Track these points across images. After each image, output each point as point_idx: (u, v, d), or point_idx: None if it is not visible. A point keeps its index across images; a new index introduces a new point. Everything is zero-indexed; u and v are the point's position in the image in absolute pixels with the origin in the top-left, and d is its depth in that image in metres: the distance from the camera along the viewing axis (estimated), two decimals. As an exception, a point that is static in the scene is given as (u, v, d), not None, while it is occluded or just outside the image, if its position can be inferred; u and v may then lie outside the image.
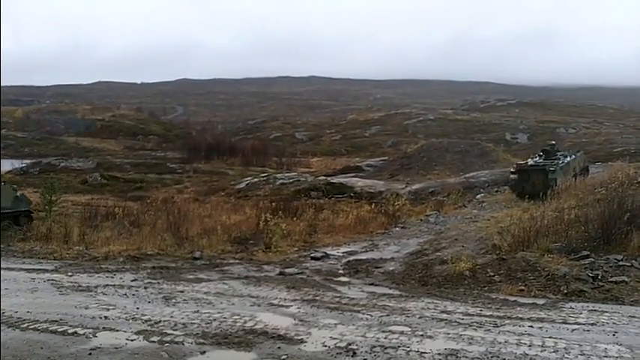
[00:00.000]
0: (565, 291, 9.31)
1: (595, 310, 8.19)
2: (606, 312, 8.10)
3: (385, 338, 6.77)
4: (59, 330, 7.02)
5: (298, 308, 8.18)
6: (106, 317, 7.58)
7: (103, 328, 7.13)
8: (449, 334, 6.95)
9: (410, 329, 7.11)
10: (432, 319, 7.65)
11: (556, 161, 20.46)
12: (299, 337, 6.79)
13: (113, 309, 7.99)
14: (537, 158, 21.45)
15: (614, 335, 6.98)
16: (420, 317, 7.72)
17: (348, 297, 9.03)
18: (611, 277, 9.73)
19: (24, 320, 7.40)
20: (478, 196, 21.65)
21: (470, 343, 6.64)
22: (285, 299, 8.76)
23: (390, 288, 10.02)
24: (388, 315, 7.82)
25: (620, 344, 6.65)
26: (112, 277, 10.32)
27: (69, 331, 6.98)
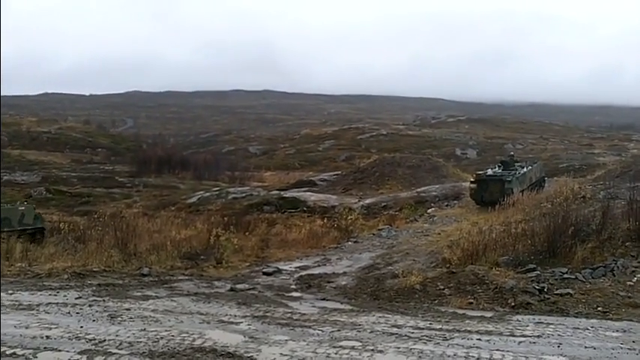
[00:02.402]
0: (512, 304, 9.49)
1: (541, 323, 8.35)
2: (552, 324, 8.27)
3: (336, 354, 6.72)
4: (-4, 351, 6.71)
5: (249, 325, 8.06)
6: (47, 337, 7.28)
7: (45, 348, 6.85)
8: (399, 348, 6.96)
9: (361, 344, 7.09)
10: (383, 333, 7.65)
11: (513, 172, 21.34)
12: (249, 355, 6.67)
13: (55, 328, 7.69)
14: (496, 168, 22.31)
15: (559, 347, 7.12)
16: (371, 332, 7.71)
17: (299, 312, 8.96)
18: (557, 289, 9.97)
19: (-41, 341, 7.04)
20: (429, 210, 21.94)
21: (420, 356, 6.66)
22: (235, 316, 8.62)
23: (342, 303, 10.01)
24: (339, 330, 7.78)
25: (565, 356, 6.79)
26: (56, 295, 9.96)
27: (7, 352, 6.67)
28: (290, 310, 9.09)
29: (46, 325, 7.83)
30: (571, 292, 9.85)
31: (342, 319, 8.44)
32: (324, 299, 10.29)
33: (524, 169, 22.58)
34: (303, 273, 12.75)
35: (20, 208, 18.64)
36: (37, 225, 18.53)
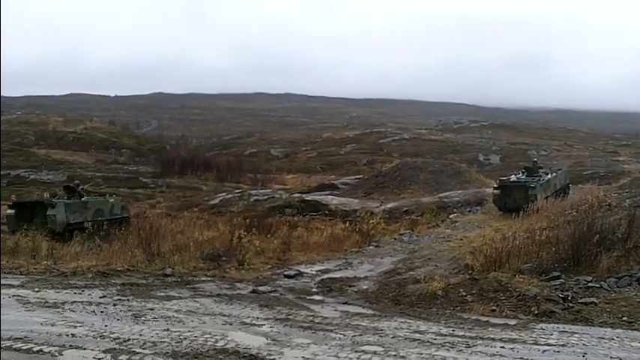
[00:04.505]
0: (536, 312, 9.40)
1: (565, 332, 8.26)
2: (576, 333, 8.18)
3: (358, 358, 6.72)
4: (24, 348, 6.81)
5: (271, 327, 8.09)
6: (73, 335, 7.39)
7: (70, 346, 6.95)
8: (422, 354, 6.93)
9: (383, 349, 7.08)
10: (405, 339, 7.62)
11: (537, 178, 21.15)
12: (271, 357, 6.70)
13: (81, 326, 7.80)
14: (520, 175, 22.15)
15: (583, 357, 7.03)
16: (393, 337, 7.69)
17: (321, 316, 8.98)
18: (581, 298, 9.86)
19: (-13, 337, 7.17)
20: (451, 216, 21.83)
21: (442, 363, 6.62)
22: (257, 318, 8.66)
23: (364, 307, 10.00)
24: (361, 334, 7.77)
25: (590, 366, 6.70)
26: (81, 294, 10.10)
27: (34, 349, 6.77)
28: (312, 314, 9.11)
29: (72, 324, 7.94)
30: (596, 301, 9.73)
31: (363, 324, 8.43)
32: (345, 303, 10.28)
33: (549, 176, 22.38)
34: (325, 276, 12.76)
35: (110, 200, 21.60)
36: (123, 215, 21.42)
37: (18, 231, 17.10)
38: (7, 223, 18.93)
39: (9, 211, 19.10)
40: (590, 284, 10.36)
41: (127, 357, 6.56)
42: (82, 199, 20.18)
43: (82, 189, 21.49)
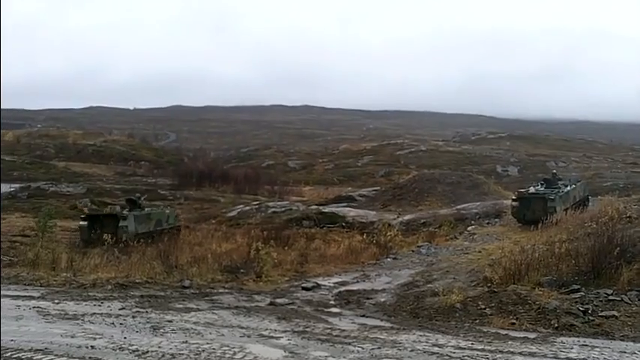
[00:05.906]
0: (556, 325, 9.30)
1: (586, 345, 8.15)
2: (597, 347, 8.07)
3: (376, 372, 6.69)
4: (44, 359, 6.89)
5: (289, 340, 8.09)
6: (92, 347, 7.45)
7: (90, 357, 7.00)
8: (440, 368, 6.89)
9: (401, 363, 7.04)
10: (424, 352, 7.58)
11: (556, 190, 20.95)
12: (289, 370, 6.70)
13: (100, 338, 7.86)
14: (539, 186, 21.98)
15: (605, 371, 6.94)
16: (411, 350, 7.65)
17: (339, 328, 8.96)
18: (602, 311, 9.73)
19: (8, 349, 7.25)
20: (469, 228, 21.68)
21: (461, 377, 6.57)
22: (275, 330, 8.67)
23: (382, 320, 9.97)
24: (379, 348, 7.74)
25: (612, 380, 6.61)
26: (100, 306, 10.18)
27: (54, 361, 6.85)
28: (330, 326, 9.10)
29: (91, 335, 8.00)
30: (616, 314, 9.60)
31: (382, 337, 8.40)
32: (363, 316, 10.26)
33: (568, 188, 22.17)
34: (342, 289, 12.74)
35: (166, 211, 23.44)
36: (176, 224, 23.16)
37: (90, 241, 18.91)
38: (79, 233, 20.45)
39: (82, 223, 20.37)
40: (610, 297, 10.22)
41: (146, 369, 6.60)
42: (145, 210, 21.68)
43: (142, 201, 22.84)
